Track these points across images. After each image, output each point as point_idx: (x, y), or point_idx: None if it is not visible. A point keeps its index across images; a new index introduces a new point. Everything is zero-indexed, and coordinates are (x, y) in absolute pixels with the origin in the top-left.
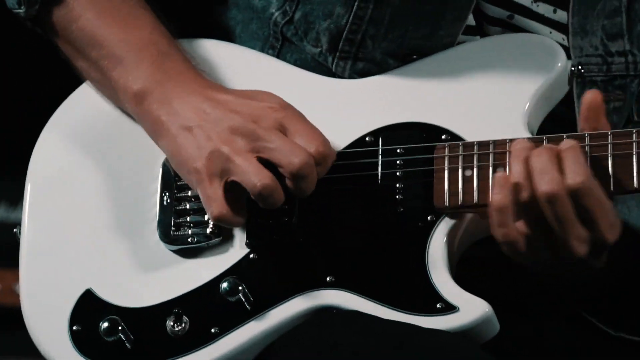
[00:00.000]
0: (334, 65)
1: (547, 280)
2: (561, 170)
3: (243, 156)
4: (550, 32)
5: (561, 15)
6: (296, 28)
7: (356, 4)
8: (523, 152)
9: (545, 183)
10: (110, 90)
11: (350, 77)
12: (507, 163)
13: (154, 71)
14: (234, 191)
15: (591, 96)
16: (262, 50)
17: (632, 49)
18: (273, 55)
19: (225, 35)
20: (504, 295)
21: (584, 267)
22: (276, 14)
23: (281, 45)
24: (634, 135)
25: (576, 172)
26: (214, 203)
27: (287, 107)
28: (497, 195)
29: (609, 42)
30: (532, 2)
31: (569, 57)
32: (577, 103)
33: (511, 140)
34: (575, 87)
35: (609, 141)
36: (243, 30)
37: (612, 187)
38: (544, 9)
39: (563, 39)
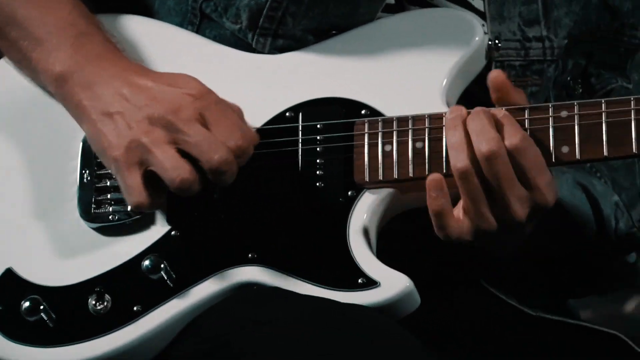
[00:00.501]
0: (253, 42)
1: (473, 258)
2: (498, 131)
3: (162, 148)
4: None
5: (479, 4)
6: (216, 5)
7: None
8: (459, 118)
9: (486, 142)
10: (30, 71)
11: (270, 53)
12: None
13: (74, 53)
14: (153, 179)
15: (495, 75)
16: (180, 26)
17: (549, 35)
18: (192, 31)
19: (143, 10)
20: (423, 269)
21: (520, 237)
22: None
23: (200, 21)
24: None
25: (514, 132)
26: (133, 192)
27: (206, 94)
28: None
29: (526, 28)
30: None
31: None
32: (494, 68)
33: (430, 116)
34: (493, 66)
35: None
36: (160, 6)
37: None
38: None
39: (483, 25)
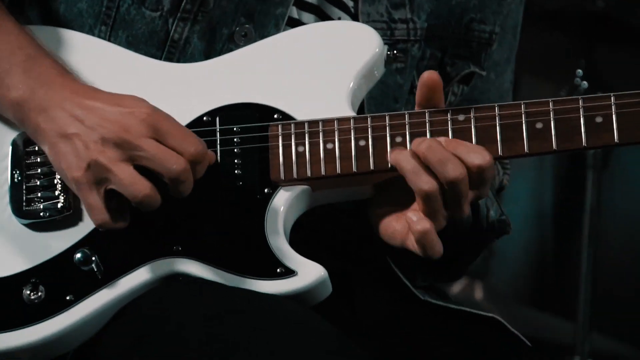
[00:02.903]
0: (173, 27)
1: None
2: (457, 155)
3: (120, 166)
4: None
5: None
6: None
7: None
8: (406, 152)
9: (452, 170)
10: None
11: (187, 40)
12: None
13: (26, 78)
14: (114, 196)
15: (429, 76)
16: (93, 27)
17: (413, 17)
18: (106, 31)
19: (46, 15)
20: (331, 260)
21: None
22: None
23: (113, 21)
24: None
25: (479, 152)
26: (95, 211)
27: (154, 111)
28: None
29: (393, 11)
30: None
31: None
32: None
33: (339, 120)
34: None
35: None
36: (67, 10)
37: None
38: None
39: (352, 8)
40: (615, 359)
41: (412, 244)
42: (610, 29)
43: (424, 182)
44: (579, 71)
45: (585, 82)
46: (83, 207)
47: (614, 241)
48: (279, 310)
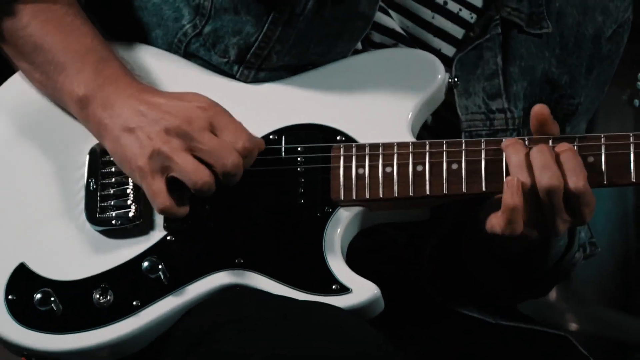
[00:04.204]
0: (238, 73)
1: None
2: (560, 168)
3: (182, 155)
4: None
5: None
6: (205, 40)
7: (266, 26)
8: (520, 148)
9: (548, 178)
10: (53, 92)
11: (252, 83)
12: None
13: (96, 77)
14: (175, 184)
15: (539, 111)
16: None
17: (510, 107)
18: None
19: (134, 34)
20: (384, 279)
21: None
22: (187, 25)
23: (184, 53)
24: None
25: (577, 175)
26: (158, 197)
27: (214, 105)
28: (510, 198)
29: (490, 101)
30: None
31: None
32: (463, 136)
33: (398, 144)
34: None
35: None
36: (143, 34)
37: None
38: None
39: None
40: None
41: (497, 223)
42: None
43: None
44: None
45: None
46: (153, 217)
47: None
48: (330, 318)
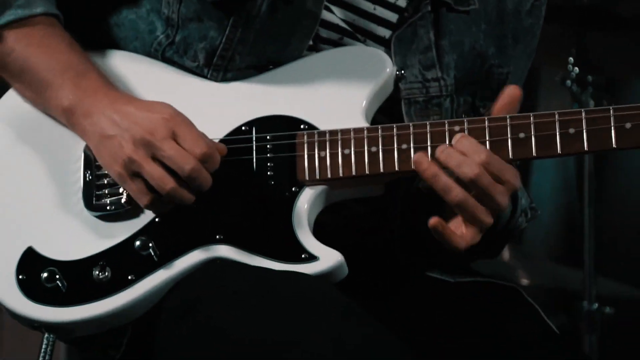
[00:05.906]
0: (208, 75)
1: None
2: (464, 155)
3: (149, 163)
4: None
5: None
6: (177, 47)
7: (228, 29)
8: (426, 161)
9: (468, 170)
10: (43, 106)
11: (222, 82)
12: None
13: (76, 90)
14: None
15: (513, 90)
16: None
17: (443, 75)
18: None
19: (108, 45)
20: (347, 247)
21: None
22: (161, 36)
23: (161, 60)
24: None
25: (479, 150)
26: (139, 198)
27: (176, 115)
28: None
29: (425, 72)
30: (362, 39)
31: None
32: (403, 103)
33: (355, 129)
34: (403, 105)
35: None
36: (123, 46)
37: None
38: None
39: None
40: (618, 300)
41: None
42: (597, 19)
43: (454, 194)
44: (571, 59)
45: (576, 68)
46: None
47: (614, 199)
48: (301, 284)
